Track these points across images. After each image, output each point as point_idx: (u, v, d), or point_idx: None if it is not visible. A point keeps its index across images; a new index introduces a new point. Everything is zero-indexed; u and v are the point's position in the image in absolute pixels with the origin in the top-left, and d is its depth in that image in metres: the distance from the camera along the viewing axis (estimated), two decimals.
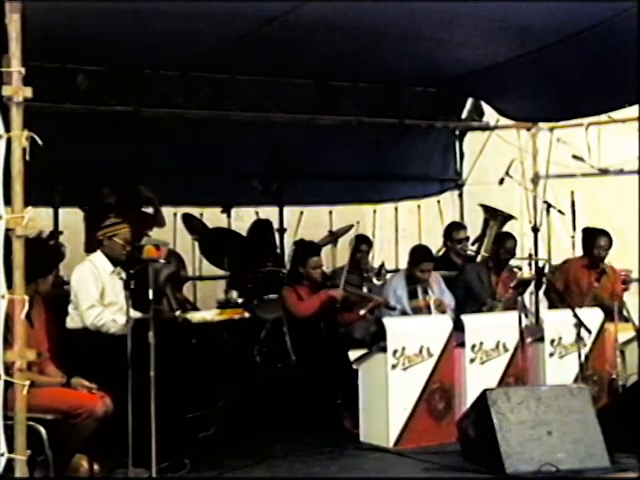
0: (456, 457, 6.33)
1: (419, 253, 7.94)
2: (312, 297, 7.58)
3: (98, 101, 8.26)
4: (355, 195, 10.01)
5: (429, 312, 7.69)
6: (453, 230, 9.06)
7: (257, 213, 9.38)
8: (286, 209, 9.62)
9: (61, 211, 8.41)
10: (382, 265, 8.41)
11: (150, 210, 8.48)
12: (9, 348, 4.46)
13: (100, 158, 8.34)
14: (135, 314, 5.92)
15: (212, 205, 9.14)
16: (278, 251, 9.28)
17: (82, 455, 5.63)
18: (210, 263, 8.85)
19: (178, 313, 6.98)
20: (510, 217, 9.44)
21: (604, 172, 9.51)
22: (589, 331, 6.97)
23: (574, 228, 8.80)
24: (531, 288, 7.80)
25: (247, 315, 7.14)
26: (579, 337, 6.91)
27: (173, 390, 5.92)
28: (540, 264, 7.92)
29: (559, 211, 8.69)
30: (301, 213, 9.73)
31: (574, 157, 9.27)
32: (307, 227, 9.61)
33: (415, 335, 6.91)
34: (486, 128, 10.26)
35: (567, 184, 9.45)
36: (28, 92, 4.48)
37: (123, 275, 6.26)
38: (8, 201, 4.45)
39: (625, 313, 8.00)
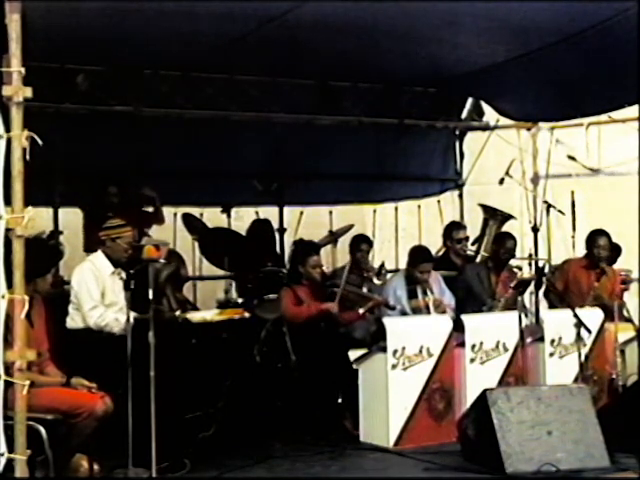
0: (456, 457, 6.33)
1: (418, 254, 7.94)
2: (306, 306, 7.56)
3: (98, 101, 8.27)
4: (355, 195, 10.02)
5: (428, 312, 7.69)
6: (453, 230, 9.05)
7: (257, 213, 9.38)
8: (286, 209, 9.59)
9: (61, 211, 8.41)
10: (382, 265, 8.41)
11: (150, 209, 8.48)
12: (9, 348, 4.46)
13: (100, 158, 8.35)
14: (135, 314, 5.92)
15: (212, 205, 9.13)
16: (278, 251, 9.28)
17: (82, 455, 5.63)
18: (210, 263, 8.85)
19: (178, 313, 6.97)
20: (510, 217, 9.44)
21: (604, 172, 9.51)
22: (589, 331, 6.97)
23: (574, 228, 8.81)
24: (531, 288, 7.80)
25: (247, 315, 7.14)
26: (579, 337, 6.91)
27: (173, 390, 5.92)
28: (540, 264, 7.92)
29: (559, 211, 8.68)
30: (301, 213, 9.72)
31: (568, 157, 9.28)
32: (307, 227, 9.60)
33: (415, 335, 6.91)
34: (486, 128, 10.26)
35: (567, 184, 9.45)
36: (28, 92, 4.47)
37: (123, 275, 6.26)
38: (8, 201, 4.44)
39: (625, 313, 8.00)
